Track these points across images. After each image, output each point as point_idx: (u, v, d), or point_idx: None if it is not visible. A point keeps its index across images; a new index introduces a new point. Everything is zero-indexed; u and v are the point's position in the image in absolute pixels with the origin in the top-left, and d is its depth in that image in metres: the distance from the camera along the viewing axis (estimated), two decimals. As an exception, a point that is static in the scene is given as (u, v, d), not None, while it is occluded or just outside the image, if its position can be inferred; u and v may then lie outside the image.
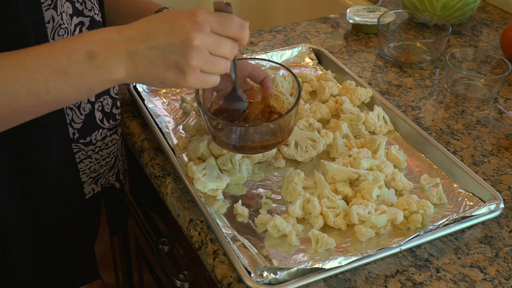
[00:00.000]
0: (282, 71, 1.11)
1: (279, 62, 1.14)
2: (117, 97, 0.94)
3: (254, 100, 0.90)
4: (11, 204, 0.85)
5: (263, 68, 0.95)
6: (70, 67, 0.68)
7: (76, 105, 0.87)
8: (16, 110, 0.69)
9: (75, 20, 0.83)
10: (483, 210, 0.85)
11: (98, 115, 0.91)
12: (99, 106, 0.91)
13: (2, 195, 0.84)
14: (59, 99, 0.70)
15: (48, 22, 0.78)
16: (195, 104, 1.03)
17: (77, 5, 0.83)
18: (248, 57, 1.10)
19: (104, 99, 0.91)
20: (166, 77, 0.71)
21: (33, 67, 0.67)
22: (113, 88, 0.92)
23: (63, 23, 0.80)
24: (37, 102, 0.69)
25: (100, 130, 0.92)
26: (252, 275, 0.74)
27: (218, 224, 0.82)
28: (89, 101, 0.89)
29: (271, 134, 0.85)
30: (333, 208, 0.84)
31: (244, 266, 0.75)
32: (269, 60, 1.05)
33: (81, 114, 0.88)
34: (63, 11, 0.80)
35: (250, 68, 0.90)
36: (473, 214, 0.84)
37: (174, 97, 1.07)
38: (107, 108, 0.92)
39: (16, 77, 0.66)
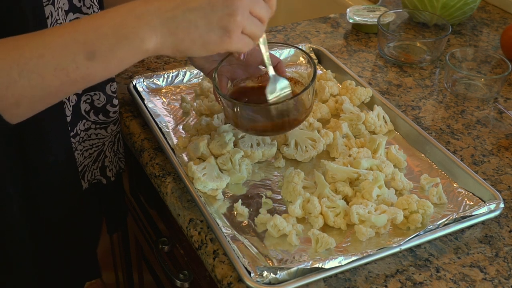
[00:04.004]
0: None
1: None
2: (114, 95, 0.93)
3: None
4: (12, 203, 0.85)
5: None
6: (98, 40, 0.66)
7: (66, 97, 0.86)
8: (43, 89, 0.66)
9: (71, 16, 0.83)
10: (483, 209, 0.85)
11: (85, 106, 0.90)
12: (87, 98, 0.90)
13: (2, 195, 0.84)
14: (88, 75, 0.68)
15: (48, 17, 0.78)
16: (195, 104, 1.03)
17: (75, 1, 0.83)
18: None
19: (95, 94, 0.90)
20: (209, 39, 0.69)
21: (59, 43, 0.66)
22: (110, 86, 0.92)
23: (59, 19, 0.80)
24: (66, 80, 0.67)
25: (84, 121, 0.91)
26: (252, 274, 0.74)
27: (218, 224, 0.82)
28: (76, 93, 0.88)
29: (291, 111, 0.86)
30: (333, 208, 0.83)
31: (244, 266, 0.75)
32: (286, 44, 1.07)
33: (70, 106, 0.88)
34: (59, 7, 0.80)
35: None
36: (473, 213, 0.84)
37: (174, 97, 1.07)
38: (97, 103, 0.91)
39: (42, 53, 0.65)
